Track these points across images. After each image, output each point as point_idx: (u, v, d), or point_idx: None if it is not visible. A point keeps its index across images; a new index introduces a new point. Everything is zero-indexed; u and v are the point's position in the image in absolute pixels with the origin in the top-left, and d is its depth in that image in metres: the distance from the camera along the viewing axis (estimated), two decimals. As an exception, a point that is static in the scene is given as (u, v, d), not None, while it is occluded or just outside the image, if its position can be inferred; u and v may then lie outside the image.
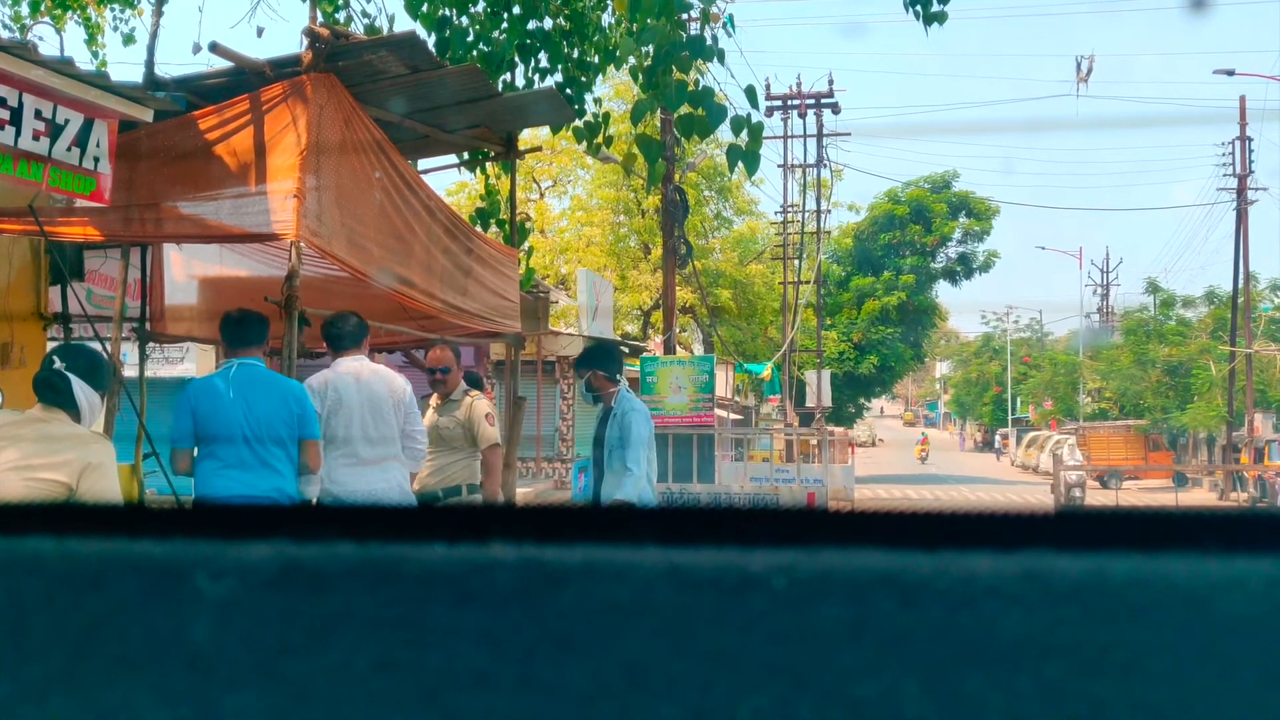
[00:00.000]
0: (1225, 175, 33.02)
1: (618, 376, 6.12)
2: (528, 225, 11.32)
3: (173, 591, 0.65)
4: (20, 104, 4.81)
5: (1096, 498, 24.85)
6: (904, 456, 59.76)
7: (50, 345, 7.21)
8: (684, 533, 0.65)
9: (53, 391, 3.46)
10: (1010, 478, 41.56)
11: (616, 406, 5.97)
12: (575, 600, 0.62)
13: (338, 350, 5.52)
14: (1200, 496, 28.50)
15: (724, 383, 30.35)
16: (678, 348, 20.09)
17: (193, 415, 4.90)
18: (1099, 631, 0.59)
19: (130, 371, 8.08)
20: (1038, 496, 26.80)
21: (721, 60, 6.62)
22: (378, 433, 5.35)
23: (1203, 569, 0.60)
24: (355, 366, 5.47)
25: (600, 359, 6.17)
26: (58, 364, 3.50)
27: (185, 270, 8.66)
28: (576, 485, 11.42)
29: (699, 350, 31.68)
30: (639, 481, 5.78)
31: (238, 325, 5.11)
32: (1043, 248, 70.40)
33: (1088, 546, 0.61)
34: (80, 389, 3.46)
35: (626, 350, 24.06)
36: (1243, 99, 32.69)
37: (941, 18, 7.94)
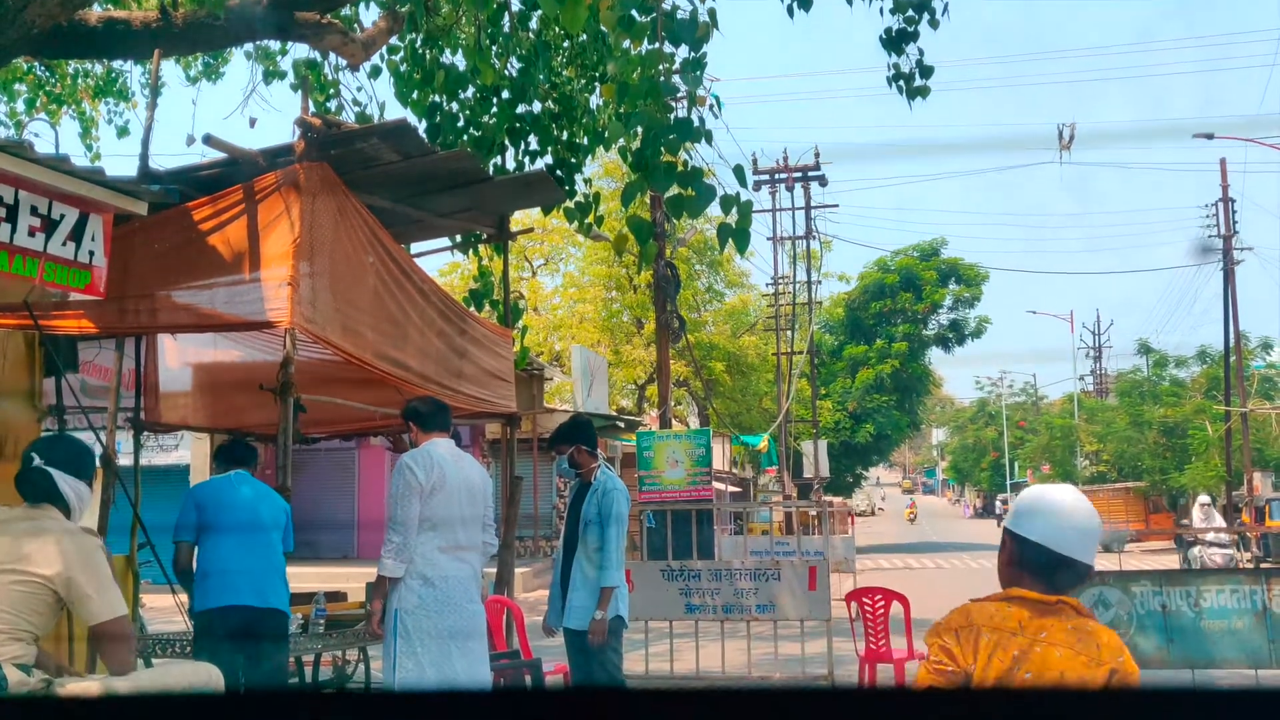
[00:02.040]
0: (1210, 236, 33.36)
1: (597, 451, 6.20)
2: (521, 304, 11.37)
3: None
4: (16, 201, 4.85)
5: (1100, 561, 24.64)
6: (903, 525, 59.41)
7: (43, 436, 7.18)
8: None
9: (33, 488, 3.42)
10: (1011, 543, 41.19)
11: (596, 482, 6.03)
12: None
13: (426, 430, 5.34)
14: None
15: (721, 455, 30.28)
16: (673, 421, 20.05)
17: (197, 511, 5.48)
18: None
19: (125, 461, 8.04)
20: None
21: (709, 141, 6.70)
22: (473, 518, 5.31)
23: None
24: (449, 448, 5.35)
25: (581, 434, 6.21)
26: (36, 461, 3.47)
27: (179, 357, 8.66)
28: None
29: (694, 423, 31.64)
30: (621, 568, 5.93)
31: (233, 449, 5.92)
32: (1034, 312, 70.56)
33: None
34: (64, 482, 3.41)
35: (622, 425, 24.04)
36: (1223, 161, 33.22)
37: (924, 92, 8.08)
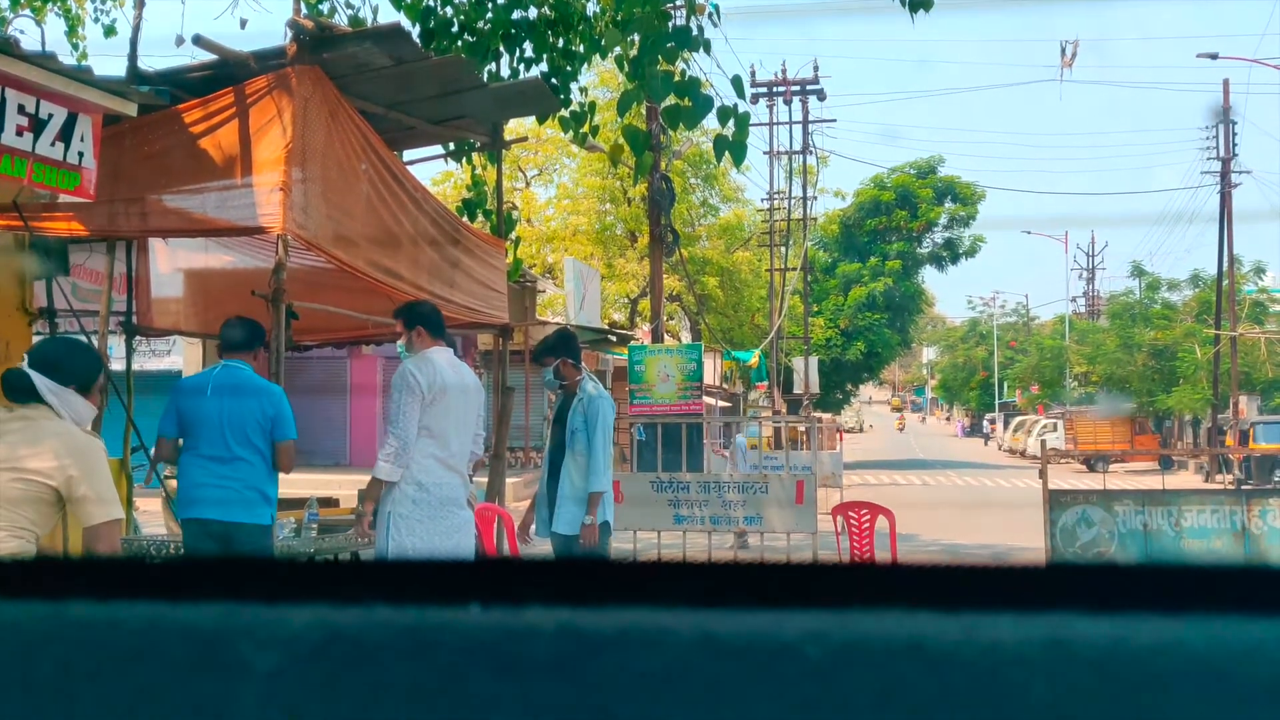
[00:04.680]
0: (1209, 159, 33.14)
1: (581, 363, 6.27)
2: (514, 215, 11.29)
3: (218, 660, 0.64)
4: (3, 98, 4.78)
5: (1084, 480, 25.00)
6: (891, 442, 59.97)
7: (36, 340, 7.18)
8: (717, 593, 0.65)
9: (10, 388, 3.41)
10: (998, 462, 41.74)
11: (581, 392, 6.11)
12: (612, 669, 0.62)
13: (435, 336, 5.34)
14: (1186, 479, 28.67)
15: (712, 370, 30.38)
16: (665, 336, 20.07)
17: (177, 410, 5.24)
18: (1122, 701, 0.59)
19: (117, 365, 8.05)
20: (1025, 481, 26.93)
21: (708, 50, 6.60)
22: (466, 427, 5.36)
23: (1227, 632, 0.60)
24: (448, 357, 5.38)
25: (566, 347, 6.27)
26: (25, 362, 3.48)
27: (171, 263, 8.62)
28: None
29: (686, 338, 31.68)
30: (608, 473, 6.03)
31: (227, 330, 5.41)
32: (1028, 232, 70.30)
33: (1112, 607, 0.61)
34: (43, 384, 3.40)
35: (614, 339, 24.06)
36: (1226, 82, 32.80)
37: (927, 4, 7.94)
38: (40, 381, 3.39)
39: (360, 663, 0.63)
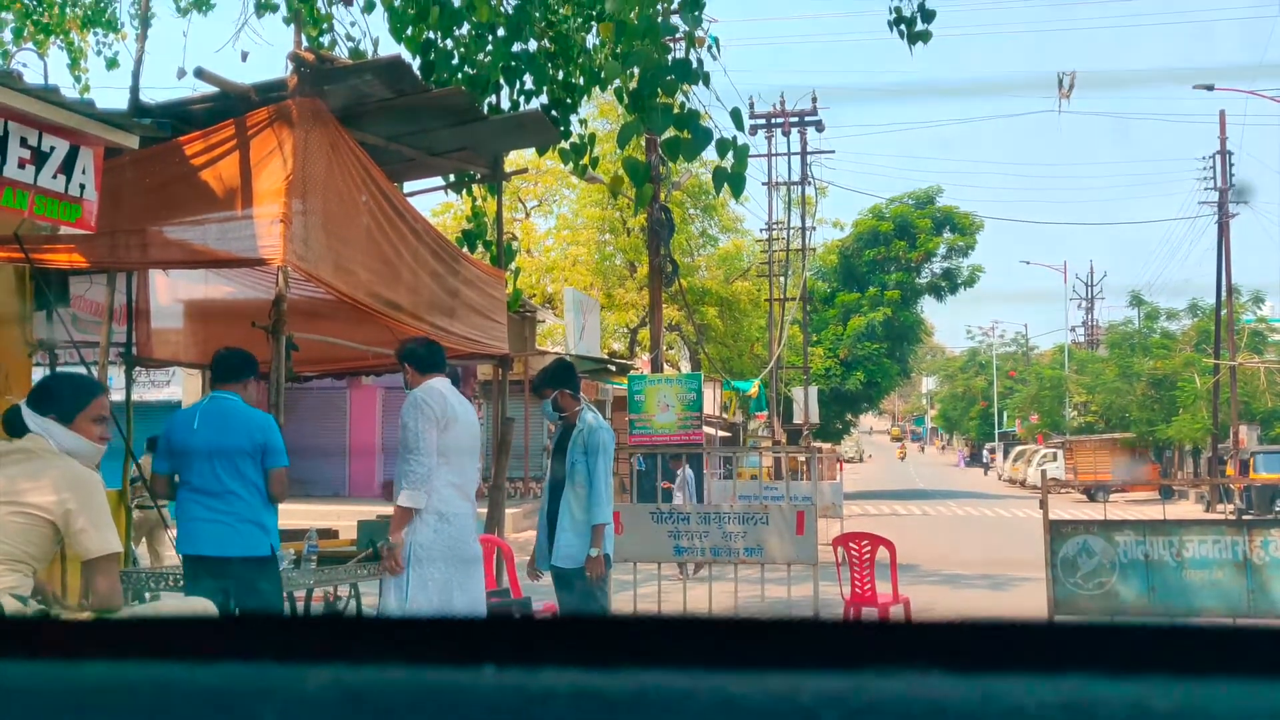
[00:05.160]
0: (1207, 189, 33.28)
1: (580, 394, 6.25)
2: (514, 246, 11.32)
3: None
4: (5, 132, 4.80)
5: (1085, 510, 24.91)
6: (891, 472, 59.85)
7: (36, 372, 7.17)
8: (732, 652, 0.64)
9: (9, 424, 3.44)
10: (998, 491, 41.64)
11: (580, 422, 6.08)
12: None
13: (423, 371, 5.33)
14: (1187, 509, 28.58)
15: (711, 400, 30.37)
16: (665, 365, 20.07)
17: (169, 445, 5.23)
18: None
19: (117, 396, 8.03)
20: (1025, 511, 26.84)
21: (707, 83, 6.64)
22: (472, 455, 5.37)
23: (1248, 697, 0.59)
24: (448, 386, 5.37)
25: (564, 378, 6.26)
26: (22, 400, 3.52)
27: (171, 294, 8.63)
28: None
29: (686, 368, 31.68)
30: (609, 505, 6.00)
31: (217, 361, 5.40)
32: (1027, 262, 70.61)
33: (1132, 669, 0.60)
34: (31, 419, 3.40)
35: (613, 368, 24.05)
36: (1223, 113, 33.03)
37: (926, 36, 8.00)
38: (26, 413, 3.41)
39: None
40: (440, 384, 5.29)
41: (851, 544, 9.29)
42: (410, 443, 5.08)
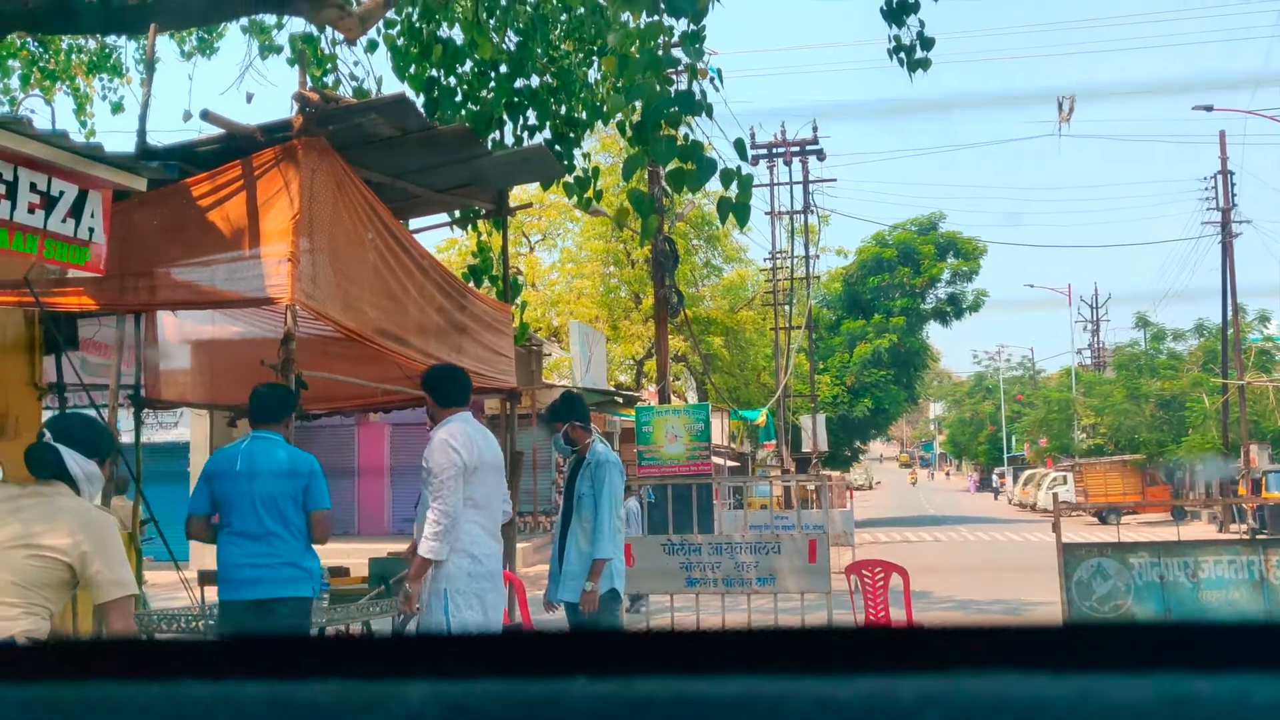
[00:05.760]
0: (1209, 209, 33.31)
1: (590, 425, 6.22)
2: (520, 280, 11.36)
3: None
4: (15, 177, 4.84)
5: (1096, 533, 24.77)
6: (902, 498, 59.61)
7: (45, 415, 7.18)
8: (745, 659, 0.64)
9: (40, 465, 3.41)
10: (1009, 516, 41.43)
11: (590, 456, 6.07)
12: None
13: (445, 405, 5.18)
14: (1200, 530, 28.42)
15: (719, 430, 30.31)
16: (672, 396, 20.07)
17: (209, 487, 5.11)
18: None
19: (126, 438, 8.05)
20: (1038, 535, 26.70)
21: (710, 115, 6.67)
22: (501, 495, 5.27)
23: (1253, 689, 0.59)
24: (474, 425, 5.24)
25: (572, 410, 6.24)
26: (47, 436, 3.49)
27: (179, 334, 8.66)
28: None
29: (693, 398, 31.65)
30: (616, 537, 5.95)
31: (255, 400, 5.26)
32: (1031, 285, 70.76)
33: (1137, 666, 0.60)
34: (72, 460, 3.41)
35: (620, 400, 24.05)
36: (1223, 134, 33.08)
37: (925, 64, 8.05)
38: (70, 458, 3.40)
39: None
40: (465, 421, 5.14)
41: (865, 571, 9.24)
42: (435, 489, 4.95)
